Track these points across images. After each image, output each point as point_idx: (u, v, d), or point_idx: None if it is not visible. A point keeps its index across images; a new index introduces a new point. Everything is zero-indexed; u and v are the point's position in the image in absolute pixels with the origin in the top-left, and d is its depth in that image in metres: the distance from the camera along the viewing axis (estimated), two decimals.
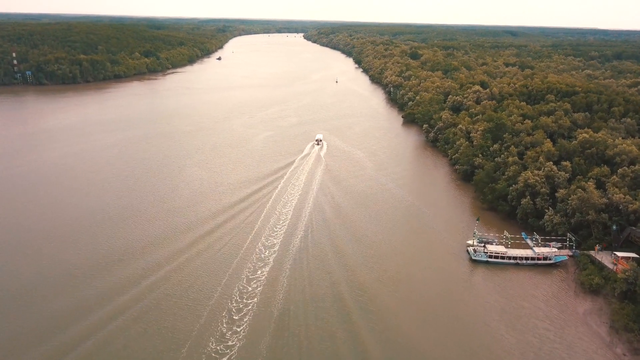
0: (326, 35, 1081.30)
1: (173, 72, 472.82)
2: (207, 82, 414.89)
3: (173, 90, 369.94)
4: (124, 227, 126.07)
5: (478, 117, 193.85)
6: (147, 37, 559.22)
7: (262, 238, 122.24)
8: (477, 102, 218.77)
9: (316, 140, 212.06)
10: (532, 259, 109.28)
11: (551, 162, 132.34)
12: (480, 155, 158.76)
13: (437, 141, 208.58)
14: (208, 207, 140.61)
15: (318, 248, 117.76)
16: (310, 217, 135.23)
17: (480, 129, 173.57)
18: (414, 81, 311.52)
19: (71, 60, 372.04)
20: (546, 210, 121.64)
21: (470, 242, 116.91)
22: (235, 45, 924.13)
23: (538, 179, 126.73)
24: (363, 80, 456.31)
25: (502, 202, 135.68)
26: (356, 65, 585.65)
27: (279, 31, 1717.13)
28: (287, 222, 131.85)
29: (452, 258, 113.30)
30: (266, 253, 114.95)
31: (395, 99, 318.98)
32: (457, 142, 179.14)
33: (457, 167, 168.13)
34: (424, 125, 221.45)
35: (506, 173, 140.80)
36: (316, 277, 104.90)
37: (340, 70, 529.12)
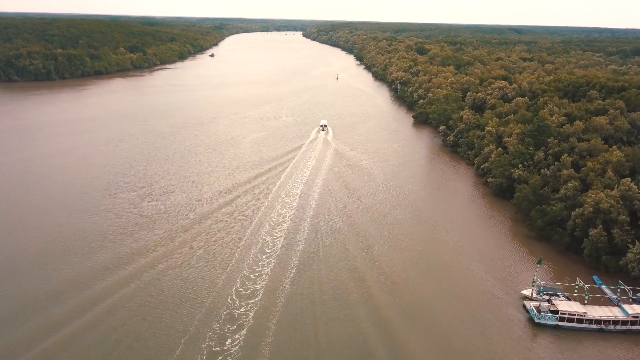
0: (326, 32, 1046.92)
1: (161, 69, 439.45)
2: (196, 79, 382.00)
3: (158, 87, 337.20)
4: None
5: (509, 117, 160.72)
6: (135, 32, 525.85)
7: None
8: (504, 99, 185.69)
9: (321, 125, 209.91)
10: (624, 322, 76.22)
11: (629, 179, 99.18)
12: (520, 165, 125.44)
13: (457, 145, 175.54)
14: (166, 228, 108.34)
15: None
16: (304, 256, 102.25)
17: (515, 131, 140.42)
18: (423, 77, 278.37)
19: (46, 55, 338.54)
20: (629, 246, 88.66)
21: (526, 292, 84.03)
22: (231, 43, 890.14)
23: (613, 202, 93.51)
24: (366, 77, 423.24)
25: (557, 229, 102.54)
26: (358, 62, 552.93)
27: (278, 29, 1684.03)
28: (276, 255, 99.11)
29: (502, 318, 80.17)
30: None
31: (403, 97, 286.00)
32: (486, 148, 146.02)
33: (489, 179, 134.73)
34: (441, 127, 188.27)
35: (561, 191, 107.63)
36: None
37: (341, 67, 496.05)
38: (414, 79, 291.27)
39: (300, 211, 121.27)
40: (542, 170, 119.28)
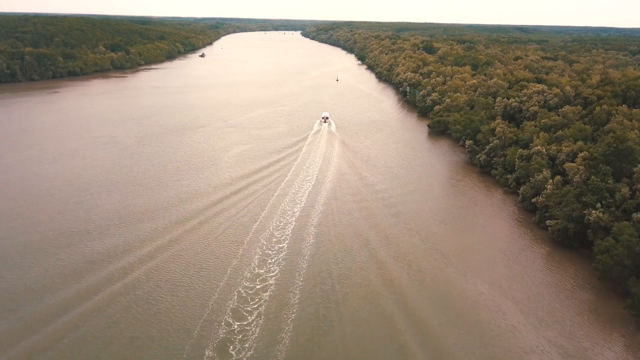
0: (325, 31, 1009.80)
1: (146, 69, 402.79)
2: (183, 81, 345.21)
3: (138, 90, 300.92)
4: None
5: (562, 132, 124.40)
6: (121, 30, 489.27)
7: None
8: (546, 107, 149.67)
9: (323, 117, 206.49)
10: None
11: None
12: (599, 205, 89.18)
13: (490, 166, 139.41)
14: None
15: None
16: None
17: (581, 154, 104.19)
18: (437, 79, 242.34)
19: (11, 54, 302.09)
20: None
21: None
22: (227, 42, 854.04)
23: None
24: (368, 77, 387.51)
25: None
26: (359, 62, 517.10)
27: (276, 29, 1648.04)
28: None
29: None
30: None
31: (413, 101, 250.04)
32: (537, 175, 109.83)
33: (548, 222, 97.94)
34: (468, 142, 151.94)
35: None
36: None
37: (342, 67, 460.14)
38: (425, 80, 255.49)
39: (289, 273, 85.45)
40: (633, 215, 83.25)
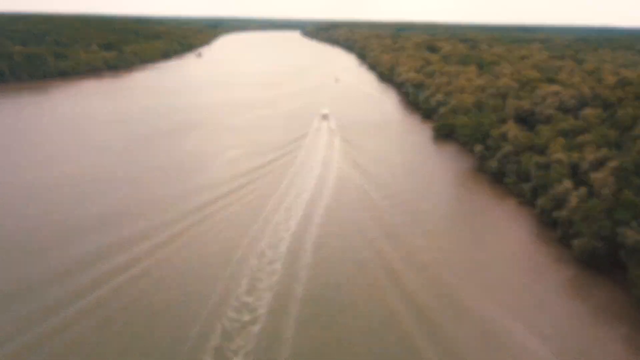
0: (325, 30, 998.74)
1: (141, 69, 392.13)
2: (178, 81, 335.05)
3: (131, 90, 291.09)
4: None
5: (583, 137, 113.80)
6: (116, 29, 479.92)
7: None
8: (563, 110, 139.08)
9: (322, 114, 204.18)
10: None
11: None
12: (633, 221, 78.63)
13: (503, 174, 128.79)
14: None
15: None
16: None
17: (608, 162, 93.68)
18: (442, 79, 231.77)
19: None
20: None
21: None
22: (225, 41, 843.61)
23: None
24: (369, 78, 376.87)
25: None
26: (360, 62, 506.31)
27: (276, 28, 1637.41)
28: None
29: None
30: None
31: (416, 102, 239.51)
32: (558, 187, 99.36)
33: (575, 242, 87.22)
34: (477, 147, 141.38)
35: None
36: None
37: (342, 67, 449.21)
38: (428, 80, 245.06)
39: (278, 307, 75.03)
40: None
